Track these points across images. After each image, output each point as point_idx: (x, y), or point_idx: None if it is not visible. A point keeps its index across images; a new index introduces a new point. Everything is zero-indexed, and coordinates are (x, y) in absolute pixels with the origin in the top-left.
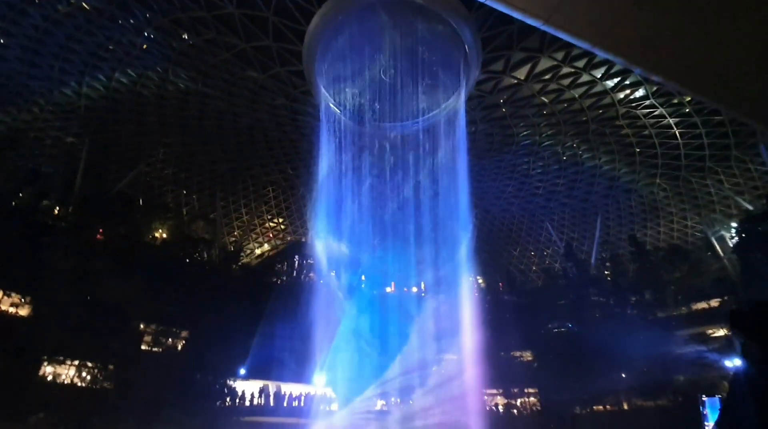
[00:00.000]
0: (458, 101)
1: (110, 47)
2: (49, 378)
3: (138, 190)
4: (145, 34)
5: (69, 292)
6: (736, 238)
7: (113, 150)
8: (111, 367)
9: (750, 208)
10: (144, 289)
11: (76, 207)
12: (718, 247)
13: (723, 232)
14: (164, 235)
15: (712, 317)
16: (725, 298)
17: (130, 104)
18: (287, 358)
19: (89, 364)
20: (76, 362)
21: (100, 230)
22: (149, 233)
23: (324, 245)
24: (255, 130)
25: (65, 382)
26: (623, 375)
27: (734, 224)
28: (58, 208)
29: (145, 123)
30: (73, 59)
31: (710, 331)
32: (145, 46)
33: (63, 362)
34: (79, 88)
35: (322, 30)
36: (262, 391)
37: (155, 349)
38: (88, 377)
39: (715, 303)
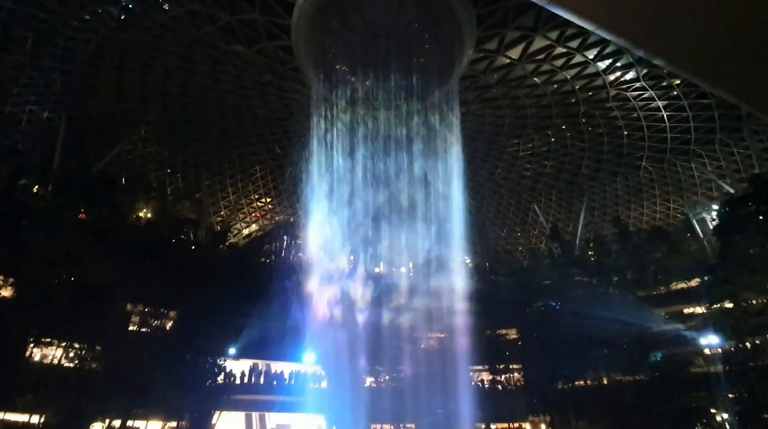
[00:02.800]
0: (452, 80)
1: (86, 17)
2: (36, 359)
3: (120, 169)
4: (123, 3)
5: (52, 274)
6: (717, 221)
7: (92, 127)
8: (98, 348)
9: (731, 191)
10: (130, 270)
11: (55, 186)
12: (698, 229)
13: (704, 215)
14: (149, 216)
15: (689, 296)
16: (704, 278)
17: (108, 79)
18: (277, 337)
19: (76, 346)
20: (63, 344)
21: (82, 210)
22: (133, 213)
23: (313, 225)
24: (241, 107)
25: (53, 363)
26: (604, 352)
27: (715, 207)
28: (36, 187)
29: (125, 99)
30: (45, 29)
31: (687, 310)
32: (122, 17)
33: (50, 344)
34: (54, 61)
35: (313, 3)
36: (253, 370)
37: (143, 330)
38: (76, 359)
39: (693, 283)
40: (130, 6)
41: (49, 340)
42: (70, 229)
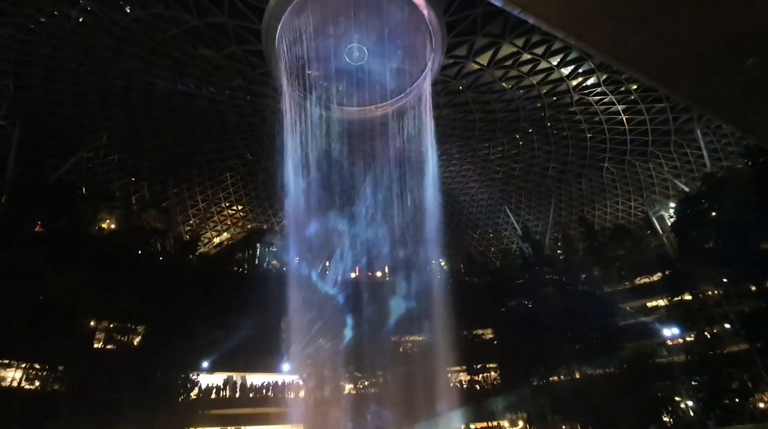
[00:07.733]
0: (424, 85)
1: (41, 19)
2: None
3: (80, 178)
4: (81, 2)
5: (9, 290)
6: (674, 218)
7: (49, 134)
8: (61, 368)
9: (686, 189)
10: (93, 284)
11: (9, 196)
12: (657, 226)
13: (662, 212)
14: (112, 226)
15: (652, 291)
16: (665, 272)
17: (66, 84)
18: (252, 349)
19: (37, 366)
20: (23, 365)
21: (39, 222)
22: (95, 224)
23: (287, 232)
24: (209, 112)
25: (12, 385)
26: (575, 347)
27: (672, 205)
28: None
29: (85, 104)
30: None
31: (651, 304)
32: (81, 19)
33: (8, 365)
34: (6, 64)
35: (283, 7)
36: (227, 382)
37: (109, 347)
38: (37, 380)
39: (655, 278)
40: (89, 8)
41: (7, 361)
42: (27, 242)
